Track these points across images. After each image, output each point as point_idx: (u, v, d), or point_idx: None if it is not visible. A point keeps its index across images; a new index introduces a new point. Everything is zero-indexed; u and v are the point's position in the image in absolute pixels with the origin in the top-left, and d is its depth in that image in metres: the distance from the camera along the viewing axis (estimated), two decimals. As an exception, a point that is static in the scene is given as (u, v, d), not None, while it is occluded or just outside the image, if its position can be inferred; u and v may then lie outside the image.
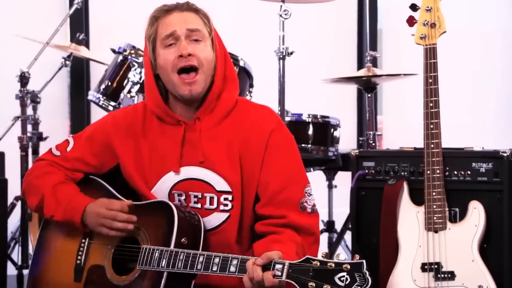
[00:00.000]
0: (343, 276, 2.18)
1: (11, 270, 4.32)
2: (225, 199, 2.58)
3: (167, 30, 2.58)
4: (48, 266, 2.70)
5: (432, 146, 3.09)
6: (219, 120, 2.62)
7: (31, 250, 4.23)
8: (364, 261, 2.19)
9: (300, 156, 2.66)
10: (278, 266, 2.25)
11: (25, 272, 4.34)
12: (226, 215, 2.58)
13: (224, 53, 2.66)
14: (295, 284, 2.22)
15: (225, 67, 2.64)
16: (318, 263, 2.21)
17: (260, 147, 2.58)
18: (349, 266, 2.18)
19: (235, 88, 2.67)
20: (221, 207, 2.58)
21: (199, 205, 2.59)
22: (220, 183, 2.58)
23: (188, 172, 2.59)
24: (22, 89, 4.49)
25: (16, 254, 4.51)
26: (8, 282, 4.18)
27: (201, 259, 2.40)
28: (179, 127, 2.62)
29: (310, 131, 4.22)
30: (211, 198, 2.58)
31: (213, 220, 2.57)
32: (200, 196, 2.59)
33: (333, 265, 2.19)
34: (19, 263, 4.45)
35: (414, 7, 3.17)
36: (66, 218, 2.61)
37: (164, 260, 2.44)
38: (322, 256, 2.23)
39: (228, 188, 2.57)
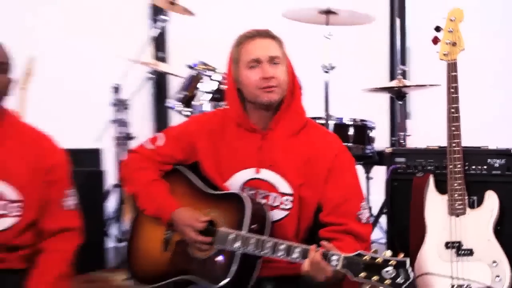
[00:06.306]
0: (389, 271, 2.16)
1: (110, 244, 4.42)
2: (286, 200, 2.55)
3: (252, 55, 2.54)
4: (142, 239, 2.70)
5: (454, 145, 3.08)
6: (291, 133, 2.59)
7: (126, 226, 4.32)
8: (408, 259, 2.16)
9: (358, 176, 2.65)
10: (335, 257, 2.24)
11: (122, 244, 4.40)
12: (285, 213, 2.55)
13: (292, 71, 2.62)
14: (348, 272, 2.21)
15: (293, 84, 2.61)
16: (369, 258, 2.19)
17: (326, 165, 2.54)
18: (394, 262, 2.16)
19: (299, 100, 2.64)
20: (282, 206, 2.55)
21: (264, 201, 2.57)
22: (283, 186, 2.55)
23: (258, 173, 2.58)
24: (115, 97, 4.57)
25: (113, 230, 4.58)
26: (107, 253, 4.29)
27: (269, 244, 2.39)
28: (255, 134, 2.60)
29: (351, 132, 4.21)
30: (275, 197, 2.56)
31: (275, 215, 2.55)
32: (266, 194, 2.57)
33: (381, 260, 2.17)
34: (117, 237, 4.53)
35: (438, 29, 3.17)
36: (156, 215, 2.61)
37: (237, 242, 2.43)
38: (372, 252, 2.21)
39: (290, 191, 2.55)
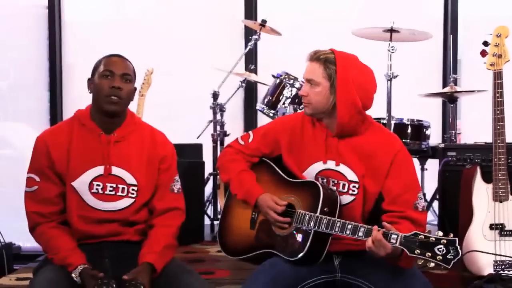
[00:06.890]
0: (441, 248, 2.13)
1: (206, 221, 4.47)
2: (353, 186, 2.51)
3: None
4: (232, 219, 2.73)
5: (499, 141, 3.01)
6: (351, 135, 2.54)
7: (219, 208, 4.38)
8: (457, 238, 2.13)
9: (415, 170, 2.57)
10: (394, 236, 2.22)
11: (215, 222, 4.46)
12: (352, 197, 2.51)
13: (348, 94, 2.46)
14: (405, 249, 2.18)
15: (351, 102, 2.47)
16: (423, 237, 2.16)
17: (387, 159, 2.49)
18: (445, 241, 2.13)
19: (360, 118, 2.53)
20: (350, 192, 2.51)
21: (334, 188, 2.53)
22: (351, 175, 2.52)
23: (330, 165, 2.55)
24: (214, 102, 4.61)
25: (210, 211, 4.62)
26: (204, 228, 4.35)
27: (338, 224, 2.38)
28: (323, 134, 2.57)
29: (409, 130, 4.16)
30: (344, 184, 2.52)
31: (343, 199, 2.52)
32: (336, 182, 2.53)
33: (434, 239, 2.15)
34: (212, 216, 4.57)
35: (486, 43, 3.10)
36: (244, 199, 2.62)
37: (312, 222, 2.43)
38: (426, 232, 2.18)
39: (356, 179, 2.51)
